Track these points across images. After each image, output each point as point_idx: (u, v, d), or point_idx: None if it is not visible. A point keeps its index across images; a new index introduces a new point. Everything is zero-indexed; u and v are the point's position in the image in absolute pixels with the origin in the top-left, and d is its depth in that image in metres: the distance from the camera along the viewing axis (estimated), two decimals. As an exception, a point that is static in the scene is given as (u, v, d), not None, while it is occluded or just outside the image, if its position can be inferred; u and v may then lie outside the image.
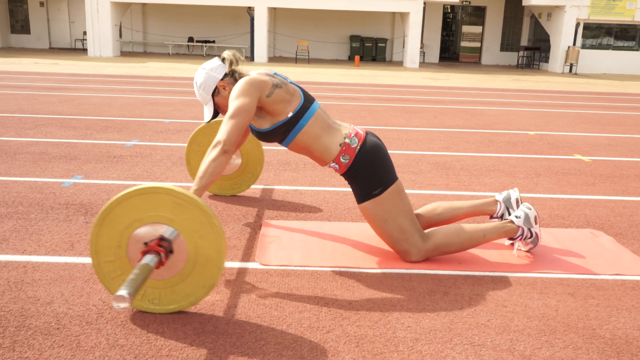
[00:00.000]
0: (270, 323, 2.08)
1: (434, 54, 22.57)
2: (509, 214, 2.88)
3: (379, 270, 2.58)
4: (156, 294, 2.12)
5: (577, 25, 19.11)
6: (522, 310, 2.25)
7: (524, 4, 19.79)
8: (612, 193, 4.08)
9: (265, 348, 1.92)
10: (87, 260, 2.58)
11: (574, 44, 19.15)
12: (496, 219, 2.91)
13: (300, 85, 2.65)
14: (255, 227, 3.10)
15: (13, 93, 8.56)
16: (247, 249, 2.79)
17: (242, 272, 2.52)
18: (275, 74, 2.59)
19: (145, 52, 21.70)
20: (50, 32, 22.05)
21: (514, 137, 6.30)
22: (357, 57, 18.44)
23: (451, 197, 3.84)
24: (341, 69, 16.82)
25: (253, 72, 2.57)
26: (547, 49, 20.35)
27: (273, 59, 20.26)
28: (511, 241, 2.77)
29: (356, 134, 2.59)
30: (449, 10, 24.43)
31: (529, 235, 2.70)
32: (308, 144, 2.56)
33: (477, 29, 22.68)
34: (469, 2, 22.05)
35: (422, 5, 18.66)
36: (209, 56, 20.85)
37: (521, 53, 21.55)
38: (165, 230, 2.06)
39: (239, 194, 3.70)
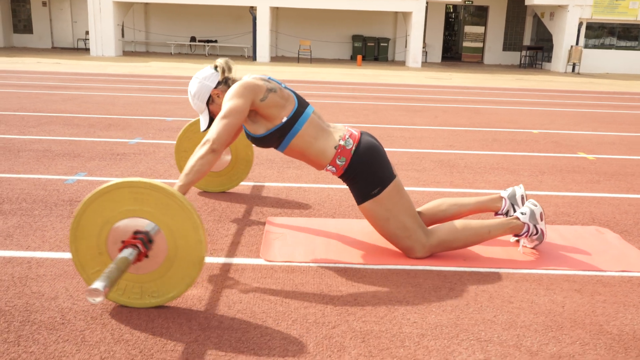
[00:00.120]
0: (275, 318, 2.07)
1: (436, 54, 22.54)
2: (514, 211, 2.87)
3: (384, 267, 2.57)
4: (137, 288, 2.10)
5: (580, 24, 19.07)
6: (528, 306, 2.24)
7: (526, 3, 19.76)
8: (617, 191, 4.06)
9: (271, 343, 1.91)
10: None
11: (577, 43, 19.11)
12: (501, 216, 2.90)
13: (294, 90, 2.66)
14: (259, 224, 3.09)
15: (16, 92, 8.57)
16: (252, 245, 2.78)
17: (246, 268, 2.51)
18: (269, 78, 2.59)
19: (147, 52, 21.71)
20: (52, 32, 22.07)
21: (518, 136, 6.28)
22: (359, 57, 18.42)
23: (455, 195, 3.83)
24: (343, 68, 16.81)
25: (247, 76, 2.57)
26: (550, 49, 20.32)
27: (275, 59, 20.27)
28: (516, 238, 2.76)
29: (350, 135, 2.58)
30: (452, 10, 24.40)
31: (535, 232, 2.69)
32: (304, 149, 2.56)
33: (479, 29, 22.65)
34: (472, 2, 22.02)
35: (424, 5, 18.64)
36: (212, 56, 20.86)
37: (524, 53, 21.51)
38: (142, 224, 2.05)
39: (231, 190, 3.69)
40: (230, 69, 2.65)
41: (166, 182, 2.12)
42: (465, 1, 21.87)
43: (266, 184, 3.91)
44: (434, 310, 2.18)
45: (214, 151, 2.33)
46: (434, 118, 7.40)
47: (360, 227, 3.06)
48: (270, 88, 2.49)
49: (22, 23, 21.98)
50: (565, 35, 18.93)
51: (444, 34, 23.23)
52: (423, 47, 21.08)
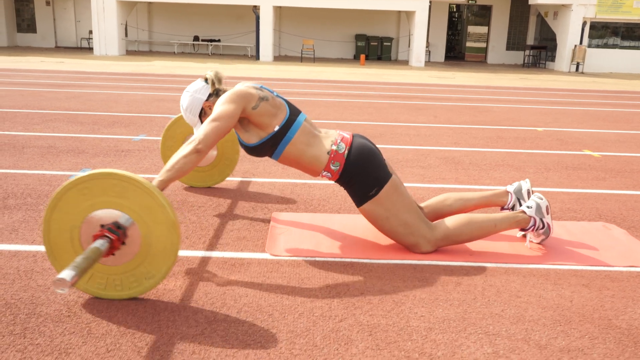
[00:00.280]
0: (282, 312, 2.06)
1: (439, 53, 22.52)
2: (520, 205, 2.85)
3: (390, 261, 2.55)
4: (118, 279, 2.09)
5: (584, 24, 19.02)
6: (536, 300, 2.22)
7: (530, 2, 19.72)
8: (623, 187, 4.04)
9: (278, 336, 1.90)
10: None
11: (581, 42, 19.06)
12: (507, 210, 2.89)
13: (286, 98, 2.66)
14: (264, 220, 3.08)
15: (20, 90, 8.58)
16: (257, 240, 2.77)
17: (252, 262, 2.50)
18: (262, 87, 2.60)
19: (150, 51, 21.73)
20: (56, 31, 22.11)
21: (523, 133, 6.26)
22: (362, 56, 18.41)
23: (461, 191, 3.81)
24: (347, 67, 16.80)
25: (241, 84, 2.58)
26: (554, 48, 20.27)
27: (278, 58, 20.26)
28: (523, 232, 2.74)
29: (342, 139, 2.58)
30: (455, 10, 24.37)
31: (541, 226, 2.67)
32: (297, 156, 2.56)
33: (482, 29, 22.61)
34: (475, 1, 21.99)
35: (427, 4, 18.61)
36: (215, 55, 20.87)
37: (527, 52, 21.46)
38: (116, 216, 2.04)
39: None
40: (220, 81, 2.67)
41: (148, 177, 2.12)
42: (468, 0, 21.83)
43: (271, 180, 3.91)
44: (441, 304, 2.16)
45: (199, 152, 2.33)
46: (436, 116, 7.38)
47: (366, 223, 3.04)
48: (262, 97, 2.50)
49: (25, 22, 22.02)
50: (569, 35, 18.88)
51: (447, 34, 23.20)
52: (426, 47, 21.05)
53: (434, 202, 2.85)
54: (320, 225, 2.99)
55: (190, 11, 21.50)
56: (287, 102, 2.64)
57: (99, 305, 2.06)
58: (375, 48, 21.29)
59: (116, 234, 2.00)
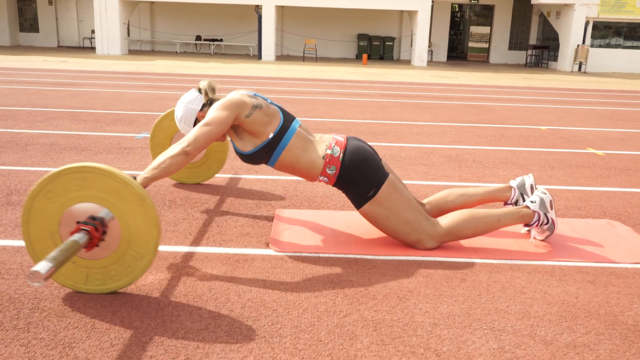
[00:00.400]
0: (286, 307, 2.05)
1: (441, 53, 22.50)
2: (524, 201, 2.84)
3: (394, 258, 2.54)
4: (113, 270, 2.07)
5: (587, 23, 18.98)
6: (541, 296, 2.21)
7: (532, 2, 19.69)
8: (627, 185, 4.02)
9: (282, 331, 1.89)
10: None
11: (583, 42, 19.03)
12: (510, 205, 2.88)
13: (280, 105, 2.67)
14: (268, 216, 3.08)
15: (23, 88, 8.59)
16: (261, 236, 2.77)
17: (256, 258, 2.49)
18: (255, 95, 2.61)
19: (153, 51, 21.75)
20: (58, 31, 22.14)
21: (526, 132, 6.25)
22: (364, 56, 18.40)
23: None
24: (349, 67, 16.79)
25: (235, 92, 2.59)
26: (556, 48, 20.24)
27: (280, 58, 20.26)
28: (527, 228, 2.73)
29: (337, 143, 2.58)
30: (457, 9, 24.35)
31: (545, 221, 2.66)
32: (293, 162, 2.56)
33: (485, 30, 22.59)
34: (477, 1, 21.96)
35: (430, 4, 18.60)
36: (217, 54, 20.87)
37: (530, 52, 21.44)
38: (96, 210, 2.03)
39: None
40: (213, 91, 2.69)
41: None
42: (470, 0, 21.80)
43: (274, 177, 3.90)
44: (445, 300, 2.15)
45: (187, 154, 2.34)
46: (439, 115, 7.37)
47: (370, 219, 3.03)
48: (255, 105, 2.51)
49: (28, 22, 22.06)
50: (572, 35, 18.85)
51: (450, 33, 23.17)
52: (428, 46, 21.04)
53: (437, 198, 2.84)
54: (324, 221, 2.98)
55: (192, 11, 21.51)
56: (281, 108, 2.65)
57: (102, 301, 2.05)
58: (377, 48, 21.28)
59: (92, 225, 1.99)
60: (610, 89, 12.69)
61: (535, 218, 2.65)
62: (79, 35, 22.20)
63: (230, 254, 2.52)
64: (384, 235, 2.82)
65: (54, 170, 2.01)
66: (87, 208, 2.03)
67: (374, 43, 21.24)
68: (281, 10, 21.38)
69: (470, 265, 2.50)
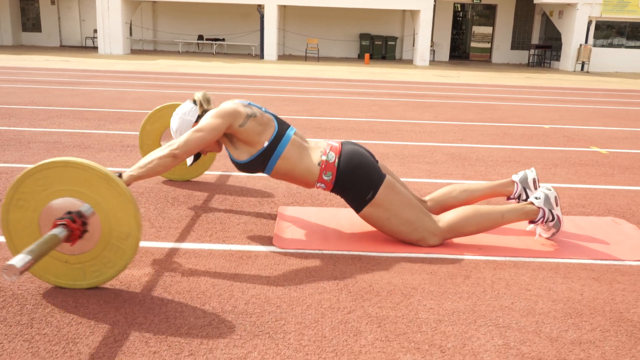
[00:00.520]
0: (290, 304, 2.05)
1: (444, 53, 22.47)
2: (527, 195, 2.83)
3: (398, 254, 2.54)
4: (106, 257, 2.07)
5: (589, 23, 18.95)
6: (546, 293, 2.20)
7: (535, 1, 19.66)
8: (631, 183, 4.01)
9: (286, 327, 1.88)
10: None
11: (586, 42, 18.99)
12: (513, 200, 2.87)
13: (275, 114, 2.68)
14: (271, 213, 3.07)
15: (26, 87, 8.59)
16: (264, 233, 2.76)
17: (259, 255, 2.49)
18: (250, 104, 2.62)
19: (155, 50, 21.76)
20: (61, 30, 22.16)
21: (529, 130, 6.23)
22: (367, 55, 18.39)
23: (468, 186, 3.79)
24: (351, 66, 16.78)
25: (230, 101, 2.60)
26: (559, 47, 20.21)
27: (282, 57, 20.26)
28: (532, 225, 2.72)
29: (331, 148, 2.59)
30: (460, 9, 24.31)
31: (551, 218, 2.65)
32: (289, 169, 2.57)
33: (487, 30, 22.55)
34: (480, 1, 21.93)
35: (432, 4, 18.58)
36: (219, 54, 20.87)
37: (532, 51, 21.40)
38: (77, 205, 2.02)
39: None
40: (208, 102, 2.71)
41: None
42: (473, 0, 21.77)
43: (277, 175, 3.89)
44: (450, 297, 2.14)
45: (175, 156, 2.35)
46: (442, 114, 7.35)
47: (373, 217, 3.02)
48: (249, 114, 2.52)
49: (30, 21, 22.08)
50: (574, 34, 18.81)
51: (452, 33, 23.15)
52: (431, 46, 21.01)
53: (440, 195, 2.83)
54: (327, 219, 2.98)
55: (194, 10, 21.52)
56: (276, 117, 2.66)
57: (106, 297, 2.05)
58: (379, 47, 21.26)
59: (68, 218, 1.98)
60: (612, 89, 12.66)
61: (540, 214, 2.63)
62: (82, 34, 22.22)
63: (233, 251, 2.52)
64: (388, 232, 2.81)
65: (18, 176, 2.00)
66: (61, 204, 2.02)
67: (376, 43, 21.22)
68: (283, 10, 21.38)
69: (474, 262, 2.49)
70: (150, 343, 1.76)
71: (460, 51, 24.77)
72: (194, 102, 2.72)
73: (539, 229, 2.73)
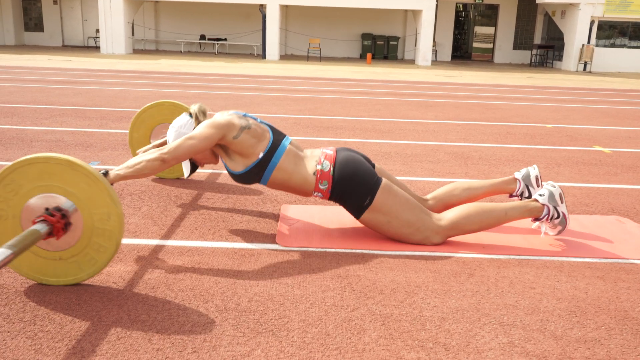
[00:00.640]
0: (293, 301, 2.04)
1: (446, 52, 22.45)
2: (529, 192, 2.81)
3: (401, 252, 2.53)
4: (96, 244, 2.06)
5: (592, 23, 18.92)
6: (550, 292, 2.19)
7: (537, 1, 19.64)
8: (635, 182, 4.00)
9: (289, 325, 1.88)
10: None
11: (589, 42, 18.96)
12: (516, 198, 2.85)
13: (270, 124, 2.69)
14: (274, 212, 3.06)
15: (28, 86, 8.60)
16: (267, 231, 2.75)
17: (262, 253, 2.48)
18: (245, 115, 2.62)
19: (157, 50, 21.77)
20: (63, 30, 22.19)
21: (532, 130, 6.22)
22: (369, 55, 18.38)
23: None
24: (353, 66, 16.77)
25: (225, 112, 2.60)
26: (561, 47, 20.18)
27: (284, 57, 20.25)
28: (537, 222, 2.70)
29: (326, 157, 2.58)
30: (462, 9, 24.29)
31: (556, 215, 2.63)
32: (285, 179, 2.57)
33: (489, 30, 22.53)
34: (482, 1, 21.91)
35: (434, 3, 18.56)
36: (221, 54, 20.88)
37: (534, 51, 21.37)
38: (60, 202, 2.01)
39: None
40: (204, 115, 2.71)
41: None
42: (475, 0, 21.75)
43: (279, 173, 3.88)
44: (454, 295, 2.13)
45: (164, 161, 2.36)
46: (444, 113, 7.34)
47: (376, 215, 3.01)
48: (244, 126, 2.52)
49: (33, 21, 22.11)
50: (577, 34, 18.78)
51: (454, 33, 23.13)
52: (433, 46, 21.00)
53: (442, 193, 2.82)
54: (330, 217, 2.97)
55: (196, 10, 21.52)
56: (271, 127, 2.66)
57: (109, 294, 2.04)
58: (381, 47, 21.25)
59: (47, 213, 1.97)
60: (615, 88, 12.64)
61: (545, 212, 2.62)
62: (84, 34, 22.24)
63: (236, 249, 2.51)
64: (391, 230, 2.80)
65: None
66: (37, 202, 2.01)
67: (378, 42, 21.22)
68: (285, 10, 21.38)
69: (478, 260, 2.48)
70: (153, 340, 1.75)
71: (463, 51, 24.74)
72: (190, 115, 2.72)
73: (545, 227, 2.72)
